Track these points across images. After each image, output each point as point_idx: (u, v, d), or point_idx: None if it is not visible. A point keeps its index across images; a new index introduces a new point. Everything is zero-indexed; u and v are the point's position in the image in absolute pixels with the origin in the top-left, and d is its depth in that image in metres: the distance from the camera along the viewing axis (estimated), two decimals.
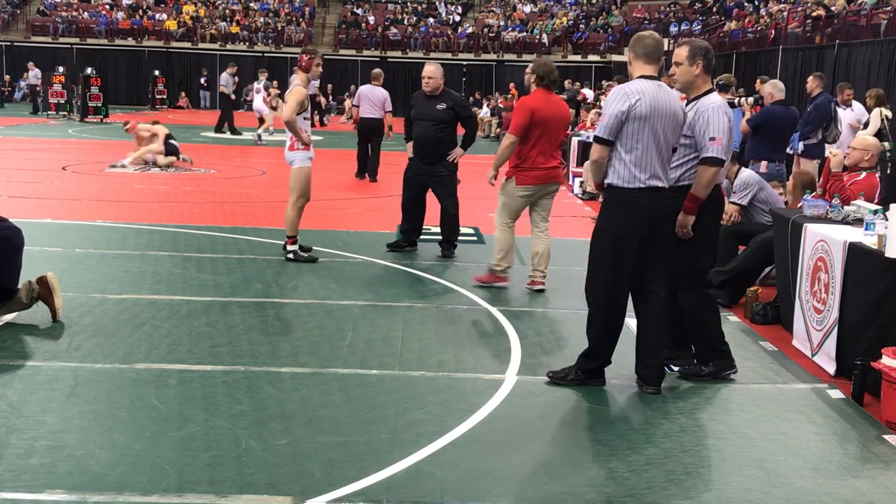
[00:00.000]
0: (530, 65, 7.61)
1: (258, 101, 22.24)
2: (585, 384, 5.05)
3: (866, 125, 11.54)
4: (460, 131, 8.70)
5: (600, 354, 5.07)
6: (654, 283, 5.02)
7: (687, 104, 5.20)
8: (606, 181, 4.95)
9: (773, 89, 10.13)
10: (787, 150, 10.80)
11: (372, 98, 14.15)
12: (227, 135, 22.62)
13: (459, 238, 8.83)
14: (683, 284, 5.21)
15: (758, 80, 11.59)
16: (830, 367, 5.49)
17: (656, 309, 5.03)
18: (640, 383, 5.07)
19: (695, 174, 5.06)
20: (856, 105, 12.22)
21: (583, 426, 4.58)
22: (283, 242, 8.33)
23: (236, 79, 23.59)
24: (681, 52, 5.19)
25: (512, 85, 29.89)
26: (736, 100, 12.31)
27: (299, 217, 8.08)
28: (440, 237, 8.67)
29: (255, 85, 23.25)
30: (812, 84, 11.15)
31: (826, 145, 10.75)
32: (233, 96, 23.47)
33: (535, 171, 7.18)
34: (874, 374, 4.81)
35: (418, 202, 8.65)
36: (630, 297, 5.08)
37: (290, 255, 8.09)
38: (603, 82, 23.97)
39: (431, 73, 8.43)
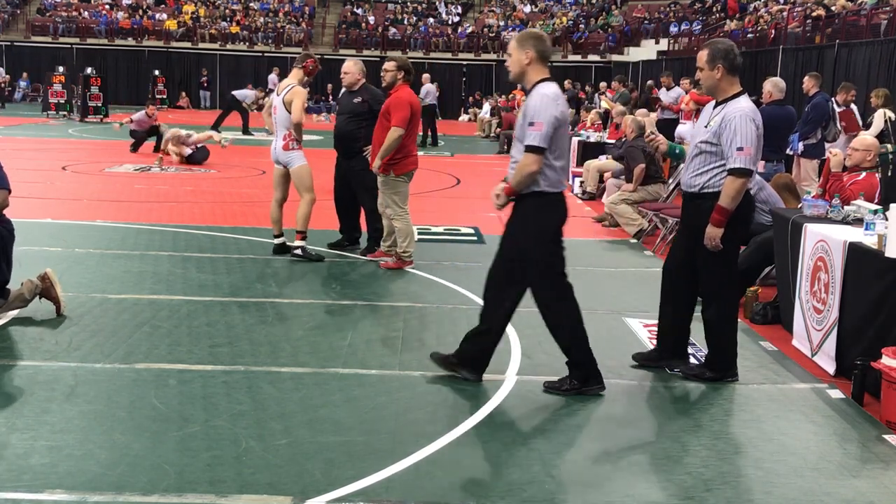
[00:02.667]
0: (391, 62, 7.97)
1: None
2: (582, 392, 4.95)
3: (868, 126, 11.48)
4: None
5: (578, 359, 4.97)
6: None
7: (714, 107, 5.13)
8: (533, 188, 4.78)
9: (772, 88, 10.11)
10: (788, 150, 10.79)
11: None
12: (241, 135, 22.68)
13: (460, 238, 8.83)
14: (708, 294, 5.23)
15: (766, 81, 11.56)
16: (830, 367, 5.49)
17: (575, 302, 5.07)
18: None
19: (720, 182, 4.98)
20: (853, 108, 12.16)
21: (583, 426, 4.58)
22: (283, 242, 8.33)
23: (260, 102, 24.18)
24: (701, 56, 5.10)
25: (519, 86, 29.82)
26: None
27: (310, 213, 8.11)
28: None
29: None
30: (808, 84, 11.14)
31: (826, 144, 10.74)
32: (247, 105, 23.81)
33: (410, 158, 7.84)
34: (874, 374, 4.81)
35: (346, 198, 8.67)
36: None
37: (298, 252, 8.09)
38: (602, 85, 23.93)
39: (348, 68, 8.56)
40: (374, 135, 7.85)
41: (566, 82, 26.18)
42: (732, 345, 5.33)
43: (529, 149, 4.71)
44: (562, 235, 4.95)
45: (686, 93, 15.89)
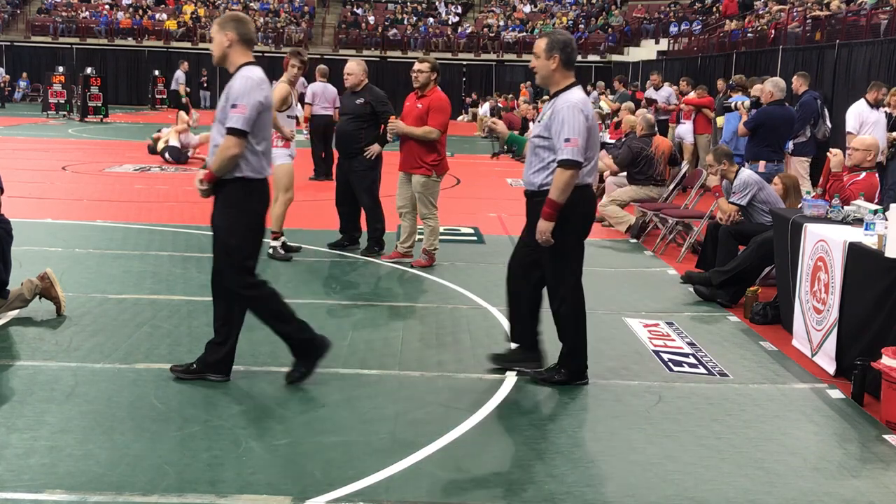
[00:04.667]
0: (425, 63, 7.92)
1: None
2: (205, 378, 4.83)
3: None
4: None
5: (228, 341, 4.89)
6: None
7: (548, 101, 5.08)
8: (236, 174, 4.67)
9: (773, 88, 10.10)
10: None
11: (325, 95, 14.31)
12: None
13: (460, 238, 8.84)
14: (550, 288, 5.06)
15: (754, 87, 11.56)
16: (830, 367, 5.48)
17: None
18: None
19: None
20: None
21: (582, 426, 4.57)
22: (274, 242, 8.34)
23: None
24: (539, 44, 4.99)
25: (523, 85, 29.79)
26: (733, 103, 12.29)
27: (284, 214, 8.10)
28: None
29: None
30: (797, 83, 11.21)
31: (817, 142, 10.76)
32: (186, 91, 23.83)
33: (445, 159, 8.01)
34: (874, 374, 4.81)
35: (347, 198, 8.66)
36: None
37: (270, 251, 8.13)
38: (600, 84, 23.91)
39: (351, 69, 8.53)
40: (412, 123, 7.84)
41: None
42: (582, 345, 5.12)
43: (231, 132, 4.58)
44: (264, 226, 4.87)
45: (682, 94, 15.90)
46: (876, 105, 10.42)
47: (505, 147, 16.81)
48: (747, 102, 11.50)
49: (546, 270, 5.06)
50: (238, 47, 4.75)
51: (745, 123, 10.35)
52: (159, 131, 17.10)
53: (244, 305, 4.91)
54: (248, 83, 4.64)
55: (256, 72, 4.72)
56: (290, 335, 4.95)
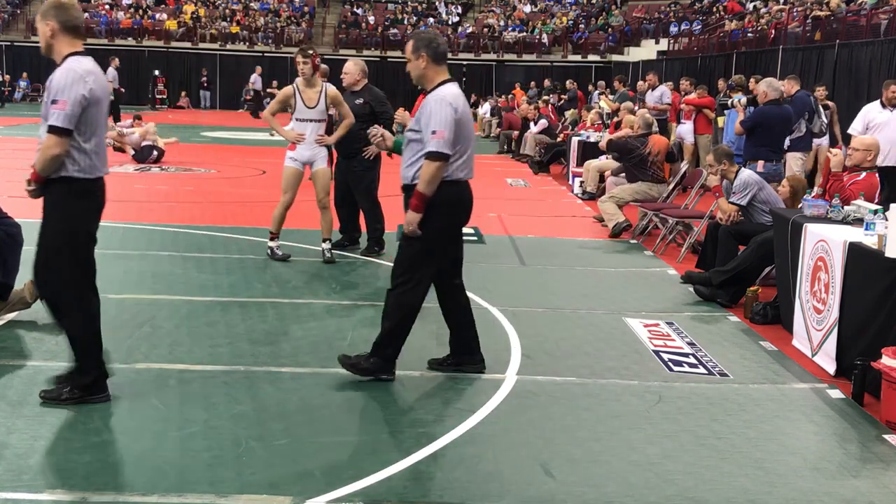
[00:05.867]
0: None
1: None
2: (85, 401, 4.46)
3: None
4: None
5: (97, 364, 4.57)
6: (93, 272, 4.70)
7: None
8: (62, 173, 4.36)
9: (767, 88, 10.10)
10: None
11: None
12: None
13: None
14: (395, 280, 5.06)
15: (751, 80, 11.60)
16: (830, 367, 5.49)
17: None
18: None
19: None
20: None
21: (583, 426, 4.57)
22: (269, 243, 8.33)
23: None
24: (407, 48, 5.04)
25: (518, 85, 29.81)
26: (729, 101, 12.32)
27: (281, 215, 8.08)
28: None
29: None
30: (788, 85, 11.36)
31: (813, 139, 10.80)
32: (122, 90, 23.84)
33: None
34: (874, 374, 4.81)
35: (346, 198, 8.68)
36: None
37: (268, 252, 8.15)
38: (601, 84, 23.89)
39: (348, 68, 8.54)
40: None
41: (567, 82, 26.17)
42: (398, 338, 5.07)
43: (52, 129, 4.25)
44: (92, 229, 4.55)
45: (685, 94, 15.89)
46: (891, 105, 10.21)
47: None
48: (744, 100, 11.52)
49: (399, 257, 5.07)
50: (62, 36, 4.38)
51: (742, 122, 10.35)
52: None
53: (65, 321, 4.50)
54: (69, 76, 4.27)
55: (83, 63, 4.35)
56: (85, 364, 4.60)
